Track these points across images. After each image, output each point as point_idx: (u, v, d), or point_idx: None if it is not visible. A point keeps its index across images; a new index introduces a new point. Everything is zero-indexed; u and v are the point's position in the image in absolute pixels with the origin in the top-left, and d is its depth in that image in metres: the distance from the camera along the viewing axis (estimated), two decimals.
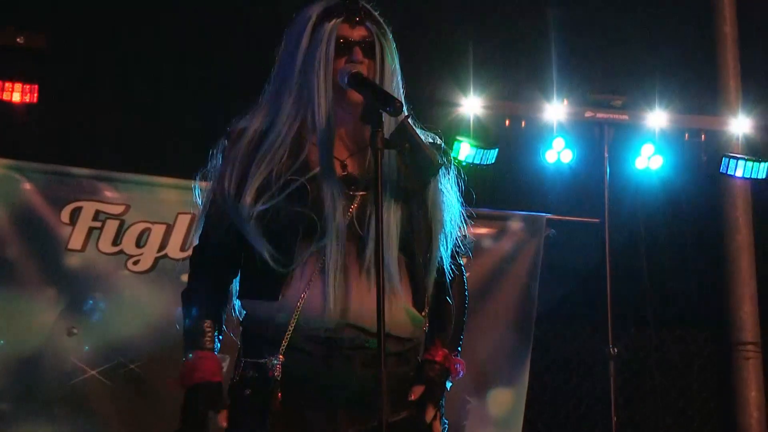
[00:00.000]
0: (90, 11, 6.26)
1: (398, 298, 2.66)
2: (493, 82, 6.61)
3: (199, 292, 2.77)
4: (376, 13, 2.83)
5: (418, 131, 2.72)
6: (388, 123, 2.65)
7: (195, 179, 2.87)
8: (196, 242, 2.82)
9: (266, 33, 3.15)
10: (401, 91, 2.82)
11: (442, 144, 2.90)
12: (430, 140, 2.85)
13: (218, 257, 2.77)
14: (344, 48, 2.74)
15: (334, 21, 2.74)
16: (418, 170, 2.65)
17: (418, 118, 2.79)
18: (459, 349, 2.88)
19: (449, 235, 2.82)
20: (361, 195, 2.71)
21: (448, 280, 2.85)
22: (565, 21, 6.84)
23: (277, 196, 2.64)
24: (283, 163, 2.69)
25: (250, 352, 2.71)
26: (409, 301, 2.71)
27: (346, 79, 2.68)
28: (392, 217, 2.67)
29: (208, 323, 2.73)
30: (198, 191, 2.85)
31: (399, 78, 2.82)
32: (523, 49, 6.91)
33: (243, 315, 2.78)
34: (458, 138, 6.49)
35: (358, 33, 2.77)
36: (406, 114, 2.64)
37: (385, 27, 2.82)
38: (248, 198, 2.65)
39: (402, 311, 2.69)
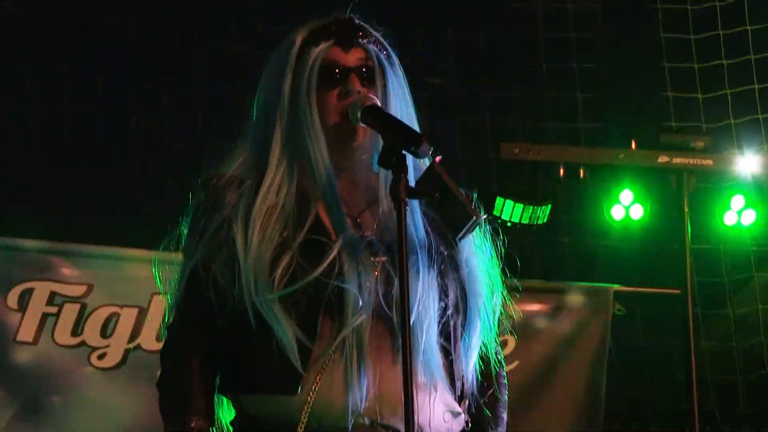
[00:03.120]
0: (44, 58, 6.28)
1: (438, 392, 2.51)
2: (544, 118, 6.48)
3: (183, 377, 2.53)
4: (377, 34, 2.66)
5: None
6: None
7: (158, 249, 2.66)
8: (169, 320, 2.61)
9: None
10: (417, 125, 2.67)
11: (474, 197, 2.68)
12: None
13: (205, 335, 2.55)
14: (336, 77, 2.58)
15: (322, 44, 2.59)
16: (451, 225, 2.49)
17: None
18: None
19: (491, 312, 2.66)
20: (382, 261, 2.54)
21: (493, 370, 2.71)
22: (627, 43, 6.81)
23: (299, 268, 2.46)
24: (293, 221, 2.53)
25: None
26: (447, 394, 2.56)
27: (358, 114, 2.51)
28: (429, 292, 2.52)
29: (197, 422, 2.48)
30: (160, 265, 2.66)
31: (411, 109, 2.67)
32: (579, 79, 6.81)
33: (234, 415, 2.58)
34: (500, 193, 6.29)
35: (353, 57, 2.61)
36: (436, 154, 2.47)
37: (389, 48, 2.67)
38: (265, 266, 2.47)
39: (441, 408, 2.52)
